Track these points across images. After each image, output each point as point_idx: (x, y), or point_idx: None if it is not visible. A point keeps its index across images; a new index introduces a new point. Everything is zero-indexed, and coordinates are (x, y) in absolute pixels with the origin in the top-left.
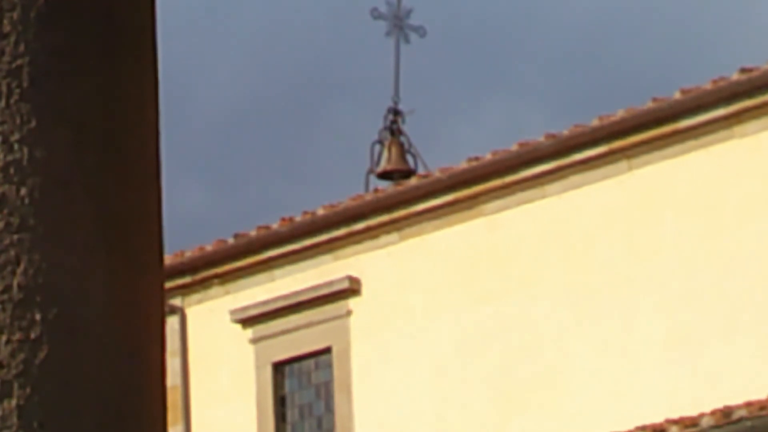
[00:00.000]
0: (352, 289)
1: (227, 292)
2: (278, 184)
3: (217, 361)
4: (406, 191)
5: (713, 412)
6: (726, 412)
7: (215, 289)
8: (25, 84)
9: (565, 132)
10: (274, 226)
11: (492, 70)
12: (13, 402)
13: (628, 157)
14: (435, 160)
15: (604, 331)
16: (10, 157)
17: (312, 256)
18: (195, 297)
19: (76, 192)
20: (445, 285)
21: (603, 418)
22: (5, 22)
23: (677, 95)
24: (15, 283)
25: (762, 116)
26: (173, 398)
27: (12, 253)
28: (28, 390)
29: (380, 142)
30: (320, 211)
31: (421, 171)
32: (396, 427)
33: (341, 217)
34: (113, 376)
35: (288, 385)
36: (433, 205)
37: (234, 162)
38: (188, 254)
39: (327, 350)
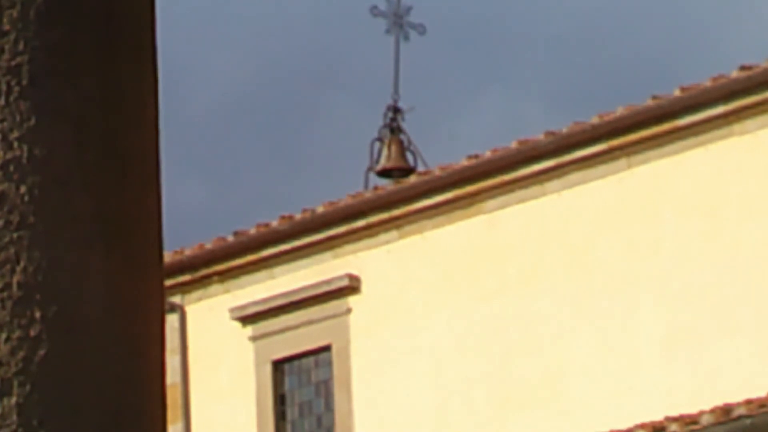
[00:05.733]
0: (351, 286)
1: (227, 290)
2: (278, 182)
3: (216, 359)
4: (406, 189)
5: (713, 410)
6: (726, 410)
7: (215, 287)
8: (24, 82)
9: (565, 129)
10: (274, 223)
11: (491, 67)
12: (13, 400)
13: (628, 155)
14: (435, 157)
15: (604, 328)
16: (9, 155)
17: (311, 254)
18: (195, 295)
19: (76, 190)
20: (445, 283)
21: (603, 415)
22: (5, 20)
23: (677, 93)
24: (15, 280)
25: (761, 114)
26: (173, 396)
27: (12, 250)
28: (27, 388)
29: (380, 139)
30: (320, 209)
31: (420, 168)
32: (396, 425)
33: (341, 214)
34: (113, 374)
35: (288, 383)
36: (433, 203)
37: (233, 159)
38: (188, 252)
39: (327, 348)
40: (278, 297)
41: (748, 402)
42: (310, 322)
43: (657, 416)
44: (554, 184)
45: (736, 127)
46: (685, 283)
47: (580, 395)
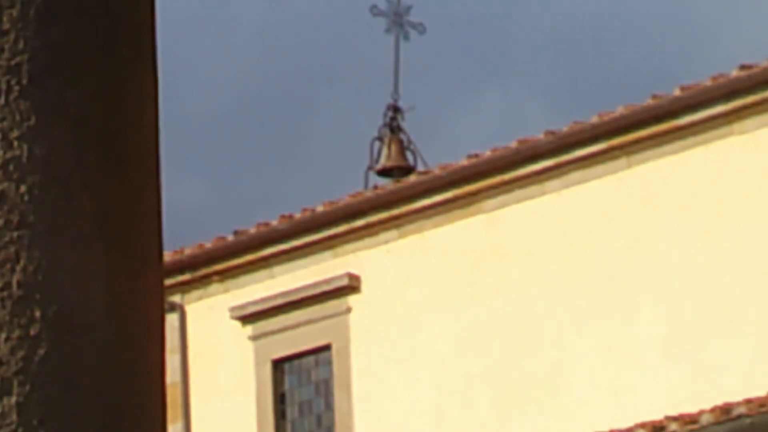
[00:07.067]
0: (351, 286)
1: (227, 289)
2: (277, 181)
3: (216, 358)
4: (406, 188)
5: (713, 409)
6: (726, 409)
7: (215, 286)
8: (24, 81)
9: (565, 129)
10: (274, 223)
11: (491, 66)
12: (13, 399)
13: (628, 154)
14: (434, 156)
15: (604, 328)
16: (9, 154)
17: (311, 253)
18: (194, 294)
19: (76, 189)
20: (445, 282)
21: (603, 414)
22: (5, 19)
23: (677, 92)
24: (14, 280)
25: (761, 113)
26: (173, 395)
27: (12, 250)
28: (27, 387)
29: (380, 138)
30: (320, 208)
31: (420, 168)
32: (396, 424)
33: (341, 214)
34: (113, 374)
35: (288, 382)
36: (433, 202)
37: (233, 159)
38: (188, 251)
39: (327, 347)
40: (278, 296)
41: (748, 401)
42: (310, 322)
43: (657, 415)
44: (554, 183)
45: (736, 126)
46: (685, 283)
47: (580, 395)
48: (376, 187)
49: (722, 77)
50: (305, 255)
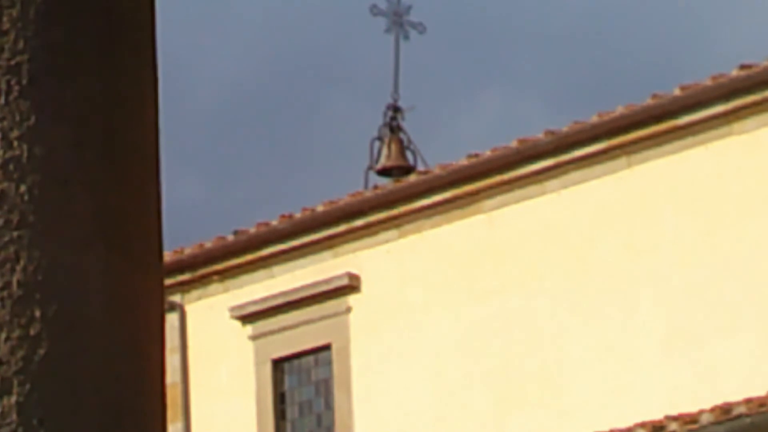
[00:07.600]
0: (351, 285)
1: (227, 289)
2: (278, 181)
3: (216, 358)
4: (406, 188)
5: (713, 409)
6: (725, 409)
7: (215, 286)
8: (24, 81)
9: (565, 128)
10: (274, 222)
11: (491, 66)
12: (13, 399)
13: (628, 154)
14: (434, 156)
15: (604, 327)
16: (9, 154)
17: (311, 253)
18: (194, 294)
19: (76, 189)
20: (445, 282)
21: (602, 414)
22: (5, 19)
23: (676, 92)
24: (14, 279)
25: (761, 113)
26: (173, 395)
27: (11, 250)
28: (27, 387)
29: (380, 138)
30: (320, 208)
31: (420, 167)
32: (396, 424)
33: (341, 213)
34: (113, 373)
35: (288, 382)
36: (433, 202)
37: (233, 158)
38: (188, 251)
39: (326, 347)
40: (278, 296)
41: (748, 401)
42: (310, 321)
43: (657, 415)
44: (554, 183)
45: (736, 126)
46: (685, 282)
47: (580, 394)
48: (376, 187)
49: (722, 77)
50: (305, 255)
